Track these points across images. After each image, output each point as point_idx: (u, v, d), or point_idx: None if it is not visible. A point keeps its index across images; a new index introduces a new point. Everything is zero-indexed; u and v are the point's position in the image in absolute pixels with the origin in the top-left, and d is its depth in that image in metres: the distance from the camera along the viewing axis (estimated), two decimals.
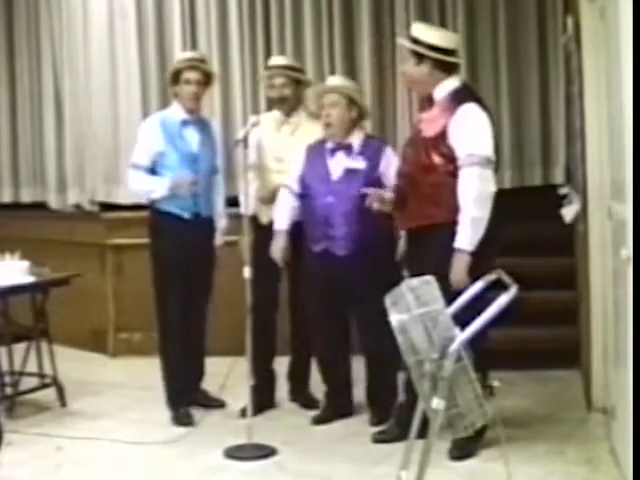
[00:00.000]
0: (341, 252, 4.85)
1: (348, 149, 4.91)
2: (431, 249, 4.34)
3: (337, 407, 5.11)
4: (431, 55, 4.41)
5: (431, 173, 4.37)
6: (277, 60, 5.48)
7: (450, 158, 4.32)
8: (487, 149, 4.30)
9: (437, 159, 4.35)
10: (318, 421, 5.06)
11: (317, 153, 4.99)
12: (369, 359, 4.99)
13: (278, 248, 5.01)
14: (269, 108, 5.51)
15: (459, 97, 4.40)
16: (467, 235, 4.25)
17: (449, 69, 4.45)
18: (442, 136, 4.33)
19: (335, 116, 4.89)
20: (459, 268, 4.23)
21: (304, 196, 5.00)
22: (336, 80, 5.16)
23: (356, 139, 4.94)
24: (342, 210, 4.80)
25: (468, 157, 4.26)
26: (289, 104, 5.25)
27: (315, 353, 5.18)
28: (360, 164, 4.87)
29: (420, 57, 4.42)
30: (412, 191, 4.45)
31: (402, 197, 4.51)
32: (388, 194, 4.57)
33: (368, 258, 4.78)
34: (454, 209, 4.28)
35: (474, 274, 4.00)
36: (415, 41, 4.45)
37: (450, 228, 4.27)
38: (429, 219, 4.38)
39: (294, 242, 5.05)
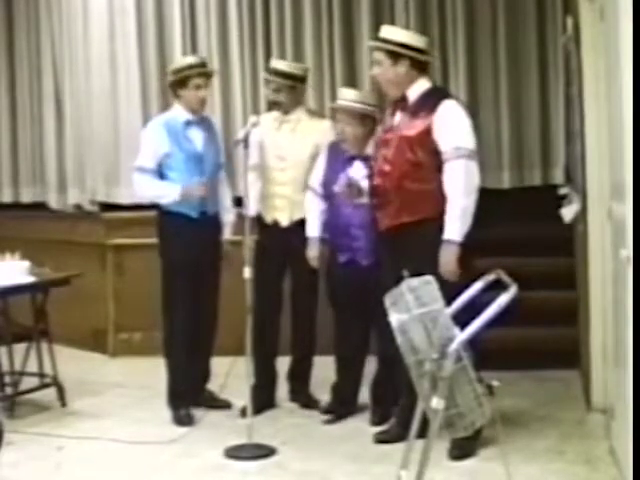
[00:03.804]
0: (365, 261, 4.88)
1: (366, 159, 4.88)
2: (420, 244, 4.36)
3: (343, 403, 5.12)
4: (408, 54, 4.45)
5: (417, 169, 4.41)
6: (274, 64, 5.43)
7: (434, 153, 4.38)
8: (471, 142, 4.39)
9: (423, 155, 4.40)
10: (327, 413, 5.09)
11: (337, 158, 4.99)
12: (383, 361, 4.98)
13: (314, 256, 5.06)
14: (269, 108, 5.53)
15: (435, 95, 4.51)
16: (456, 226, 4.30)
17: (422, 68, 4.52)
18: (426, 132, 4.38)
19: (349, 133, 4.91)
20: (449, 259, 4.27)
21: (328, 199, 5.02)
22: (347, 96, 5.00)
23: (372, 148, 4.90)
24: (361, 219, 4.81)
25: (455, 150, 4.33)
26: (284, 107, 5.27)
27: (335, 351, 5.15)
28: None
29: (396, 57, 4.46)
30: (396, 189, 4.47)
31: (383, 196, 4.53)
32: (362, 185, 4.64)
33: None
34: (440, 203, 4.34)
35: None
36: (387, 42, 4.49)
37: (438, 222, 4.32)
38: (417, 215, 4.41)
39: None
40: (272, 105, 5.33)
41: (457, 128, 4.38)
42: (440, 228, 4.31)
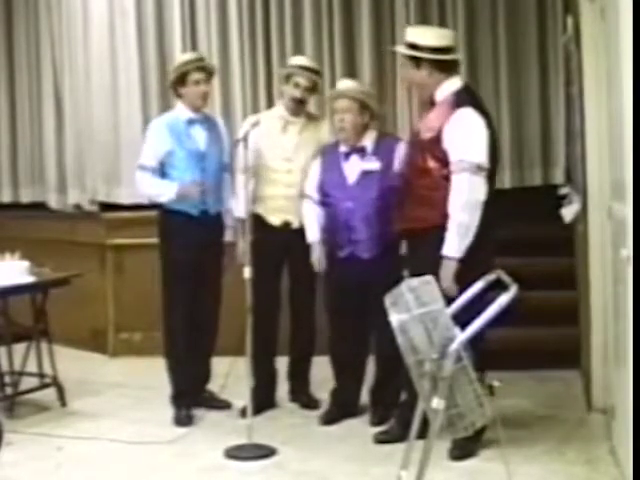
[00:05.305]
0: (365, 255, 4.85)
1: (362, 151, 4.89)
2: (423, 252, 4.34)
3: (343, 405, 5.09)
4: (427, 57, 4.38)
5: (425, 176, 4.36)
6: (300, 61, 5.35)
7: (444, 162, 4.30)
8: (478, 156, 4.25)
9: (432, 162, 4.34)
10: (326, 421, 5.04)
11: (331, 158, 4.99)
12: (382, 361, 4.97)
13: (317, 258, 5.02)
14: (269, 106, 5.48)
15: (457, 100, 4.36)
16: (454, 242, 4.23)
17: (448, 68, 4.42)
18: (437, 140, 4.31)
19: (348, 121, 4.87)
20: (446, 275, 4.19)
21: (324, 203, 5.00)
22: (348, 84, 5.06)
23: (369, 140, 4.92)
24: (362, 213, 4.81)
25: (459, 163, 4.24)
26: (303, 106, 5.24)
27: (331, 352, 5.12)
28: (375, 165, 4.86)
29: (417, 61, 4.41)
30: (407, 193, 4.47)
31: (400, 198, 4.53)
32: None
33: (392, 259, 4.78)
34: (447, 213, 4.27)
35: (469, 280, 3.98)
36: (411, 46, 4.42)
37: (442, 232, 4.26)
38: (422, 222, 4.36)
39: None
40: (295, 102, 5.20)
41: (464, 140, 4.24)
42: (443, 239, 4.25)
